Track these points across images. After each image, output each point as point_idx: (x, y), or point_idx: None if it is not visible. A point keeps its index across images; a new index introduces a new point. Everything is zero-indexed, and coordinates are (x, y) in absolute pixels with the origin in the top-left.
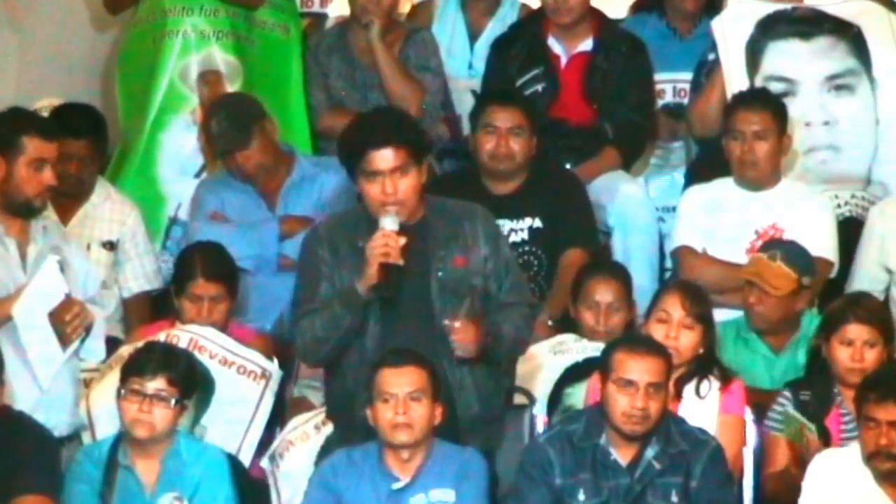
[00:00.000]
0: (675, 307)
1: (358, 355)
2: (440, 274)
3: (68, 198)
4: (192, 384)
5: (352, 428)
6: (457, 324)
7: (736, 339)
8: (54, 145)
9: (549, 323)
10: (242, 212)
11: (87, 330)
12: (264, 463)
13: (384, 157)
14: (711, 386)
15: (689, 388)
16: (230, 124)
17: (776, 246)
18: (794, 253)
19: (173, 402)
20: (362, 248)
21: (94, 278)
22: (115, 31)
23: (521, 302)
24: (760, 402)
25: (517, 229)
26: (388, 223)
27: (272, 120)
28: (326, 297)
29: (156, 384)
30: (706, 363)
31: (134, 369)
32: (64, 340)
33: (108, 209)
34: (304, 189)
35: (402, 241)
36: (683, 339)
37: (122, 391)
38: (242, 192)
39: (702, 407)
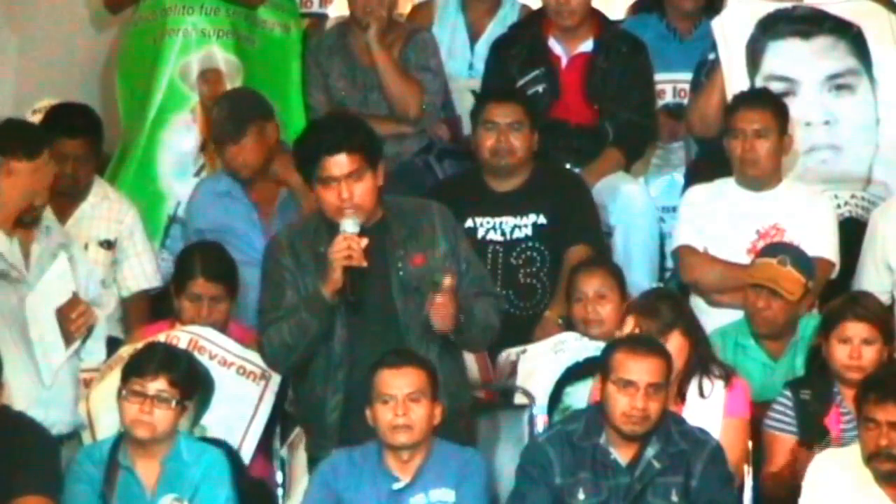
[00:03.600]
0: (639, 328)
1: (325, 360)
2: (401, 273)
3: (65, 197)
4: (193, 385)
5: (323, 434)
6: (438, 298)
7: (735, 347)
8: (40, 162)
9: (559, 322)
10: (228, 232)
11: (90, 330)
12: (283, 451)
13: (338, 163)
14: (714, 385)
15: (692, 389)
16: (228, 115)
17: (782, 251)
18: (799, 257)
19: (174, 403)
20: (323, 253)
21: (94, 280)
22: (115, 31)
23: (482, 291)
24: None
25: (521, 226)
26: (349, 226)
27: (276, 123)
28: (292, 304)
29: (157, 385)
30: (702, 357)
31: (135, 370)
32: (67, 338)
33: (105, 208)
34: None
35: (364, 242)
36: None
37: (123, 392)
38: (233, 199)
39: (706, 407)
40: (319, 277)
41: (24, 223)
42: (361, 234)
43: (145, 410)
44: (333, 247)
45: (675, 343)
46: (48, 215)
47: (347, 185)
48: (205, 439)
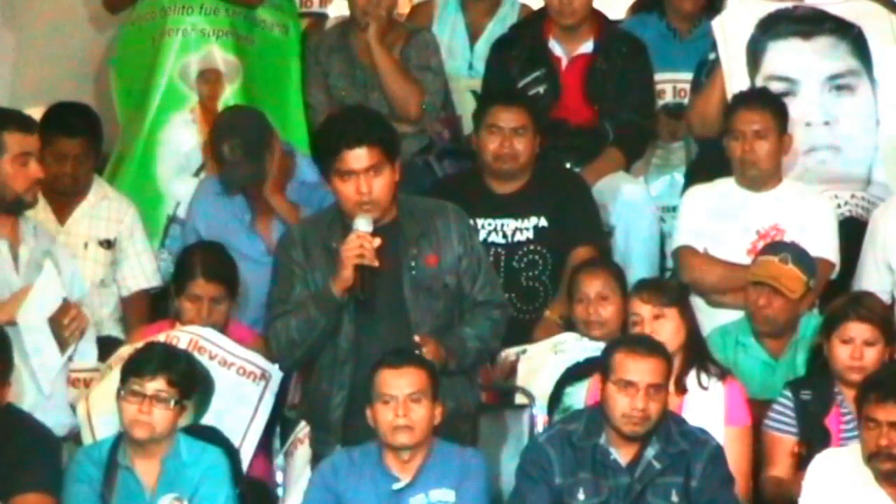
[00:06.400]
0: (640, 306)
1: (332, 355)
2: (413, 272)
3: (65, 197)
4: (192, 385)
5: (327, 429)
6: (416, 338)
7: (735, 345)
8: (35, 138)
9: (559, 322)
10: (225, 230)
11: (82, 333)
12: (279, 460)
13: (358, 157)
14: (712, 380)
15: (691, 381)
16: (246, 155)
17: (784, 249)
18: (801, 255)
19: (173, 402)
20: (335, 249)
21: (80, 280)
22: (113, 30)
23: (492, 301)
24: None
25: (522, 228)
26: (363, 225)
27: (275, 133)
28: (300, 298)
29: (155, 385)
30: (696, 345)
31: (134, 370)
32: (63, 344)
33: (105, 208)
34: (304, 197)
35: (377, 242)
36: (661, 331)
37: (122, 392)
38: (229, 199)
39: (707, 400)
40: (330, 273)
41: (13, 211)
42: (375, 232)
43: (144, 410)
44: (346, 244)
45: (673, 321)
46: (35, 214)
47: (366, 180)
48: (203, 435)
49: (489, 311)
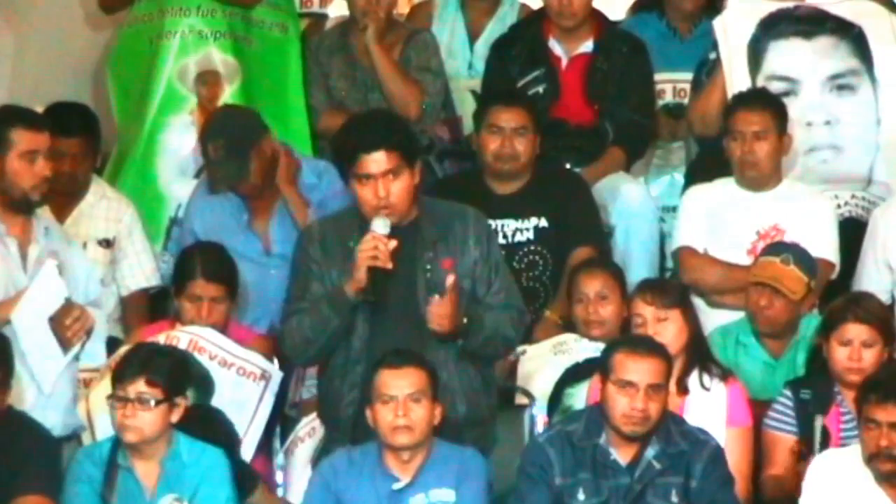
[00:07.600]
0: (643, 308)
1: (344, 355)
2: (428, 275)
3: (63, 196)
4: (179, 383)
5: (338, 428)
6: (436, 297)
7: (736, 345)
8: (44, 135)
9: (559, 322)
10: (221, 230)
11: (88, 333)
12: (279, 460)
13: (376, 161)
14: (713, 381)
15: (693, 381)
16: (228, 154)
17: (785, 249)
18: (802, 256)
19: (153, 402)
20: (353, 248)
21: (95, 280)
22: (111, 31)
23: (509, 304)
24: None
25: (522, 229)
26: (379, 227)
27: (268, 133)
28: (316, 295)
29: (136, 388)
30: (698, 346)
31: (117, 375)
32: (65, 344)
33: (103, 207)
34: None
35: (393, 244)
36: (664, 332)
37: (110, 398)
38: (226, 197)
39: (709, 400)
40: (345, 272)
41: (21, 209)
42: (392, 235)
43: (128, 415)
44: (361, 245)
45: (675, 323)
46: (47, 216)
47: (384, 184)
48: (203, 417)
49: (506, 310)
